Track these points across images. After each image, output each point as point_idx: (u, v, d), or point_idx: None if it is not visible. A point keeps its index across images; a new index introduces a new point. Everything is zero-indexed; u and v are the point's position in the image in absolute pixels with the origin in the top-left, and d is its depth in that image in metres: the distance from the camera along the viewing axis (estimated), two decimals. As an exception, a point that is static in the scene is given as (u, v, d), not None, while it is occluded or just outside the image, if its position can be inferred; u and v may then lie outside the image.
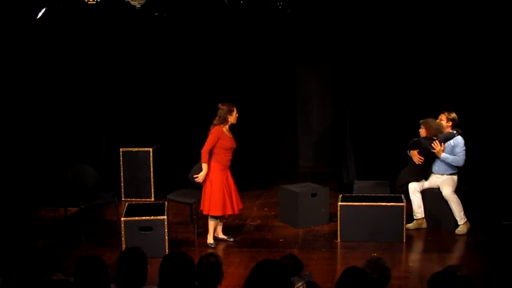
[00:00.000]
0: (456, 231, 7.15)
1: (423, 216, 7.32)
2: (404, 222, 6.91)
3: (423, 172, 7.37)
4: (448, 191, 7.20)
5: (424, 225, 7.34)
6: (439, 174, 7.32)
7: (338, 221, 7.03)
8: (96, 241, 7.16)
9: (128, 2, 7.41)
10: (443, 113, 7.27)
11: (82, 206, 7.16)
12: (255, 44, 9.27)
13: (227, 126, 6.79)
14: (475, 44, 8.32)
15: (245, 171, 8.76)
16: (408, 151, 7.40)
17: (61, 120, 8.92)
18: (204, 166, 6.73)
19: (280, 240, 7.14)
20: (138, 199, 8.88)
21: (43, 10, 8.18)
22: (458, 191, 7.30)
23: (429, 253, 6.74)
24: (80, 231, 7.16)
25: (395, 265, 6.07)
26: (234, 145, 6.83)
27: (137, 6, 7.43)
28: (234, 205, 6.87)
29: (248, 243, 7.03)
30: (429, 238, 7.12)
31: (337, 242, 6.99)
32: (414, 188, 7.31)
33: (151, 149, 8.98)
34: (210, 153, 6.72)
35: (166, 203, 6.98)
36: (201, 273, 3.89)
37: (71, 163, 7.80)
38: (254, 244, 7.00)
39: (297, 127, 11.06)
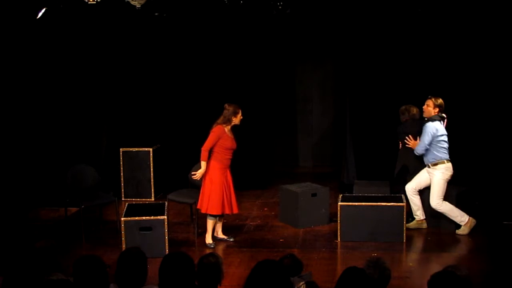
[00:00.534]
0: (457, 232, 7.14)
1: (424, 218, 7.30)
2: (404, 222, 6.91)
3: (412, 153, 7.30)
4: (433, 202, 7.04)
5: (424, 226, 7.33)
6: (427, 165, 7.14)
7: (338, 221, 7.02)
8: (96, 241, 7.16)
9: (128, 2, 7.42)
10: (429, 98, 7.09)
11: (82, 206, 7.16)
12: (255, 44, 9.27)
13: (229, 127, 6.79)
14: (475, 44, 8.33)
15: (245, 171, 8.78)
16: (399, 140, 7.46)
17: (61, 120, 8.92)
18: (203, 164, 6.72)
19: (280, 240, 7.14)
20: (138, 199, 8.88)
21: (43, 10, 8.18)
22: (458, 191, 7.27)
23: (429, 253, 6.73)
24: (80, 231, 7.16)
25: (395, 265, 6.06)
26: (234, 145, 6.83)
27: (137, 6, 7.44)
28: (232, 205, 6.87)
29: (248, 243, 7.02)
30: (429, 238, 7.12)
31: (337, 242, 6.98)
32: (412, 189, 7.26)
33: (151, 149, 8.98)
34: (210, 152, 6.72)
35: (166, 203, 6.98)
36: (201, 273, 3.89)
37: (71, 163, 7.79)
38: (254, 244, 7.00)
39: (297, 127, 11.07)
